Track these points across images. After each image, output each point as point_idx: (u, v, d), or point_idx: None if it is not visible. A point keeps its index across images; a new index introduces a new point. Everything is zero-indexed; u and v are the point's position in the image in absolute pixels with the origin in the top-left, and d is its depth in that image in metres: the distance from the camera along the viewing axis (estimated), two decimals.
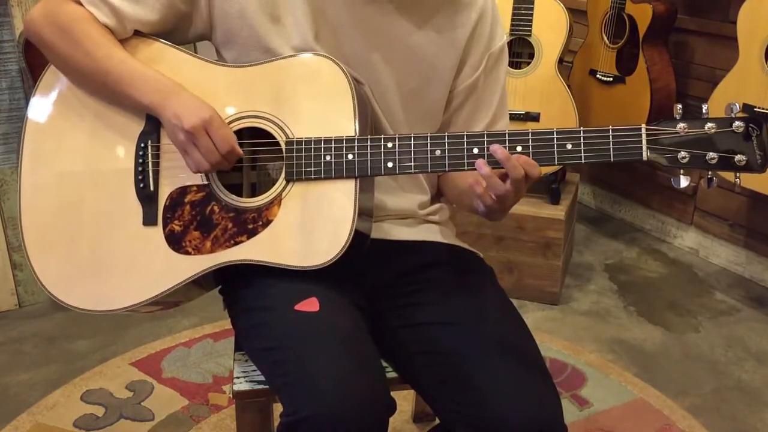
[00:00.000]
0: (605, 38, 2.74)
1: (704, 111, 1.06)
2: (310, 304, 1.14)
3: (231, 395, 1.29)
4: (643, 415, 2.00)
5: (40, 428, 1.88)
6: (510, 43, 2.42)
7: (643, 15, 2.60)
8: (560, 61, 2.55)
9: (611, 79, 2.75)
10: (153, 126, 1.21)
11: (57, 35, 1.20)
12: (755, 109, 2.28)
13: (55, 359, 2.17)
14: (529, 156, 1.10)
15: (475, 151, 1.12)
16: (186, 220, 1.20)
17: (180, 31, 1.26)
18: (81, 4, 1.20)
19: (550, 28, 2.53)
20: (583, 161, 1.07)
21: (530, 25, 2.49)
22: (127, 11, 1.20)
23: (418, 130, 1.30)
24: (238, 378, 1.28)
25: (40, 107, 1.25)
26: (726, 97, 2.37)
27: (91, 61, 1.19)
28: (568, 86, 2.56)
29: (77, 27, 1.19)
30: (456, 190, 1.32)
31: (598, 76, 2.79)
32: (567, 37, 2.53)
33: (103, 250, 1.21)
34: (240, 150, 1.17)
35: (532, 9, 2.47)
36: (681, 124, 1.04)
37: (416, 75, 1.27)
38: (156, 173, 1.22)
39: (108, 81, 1.19)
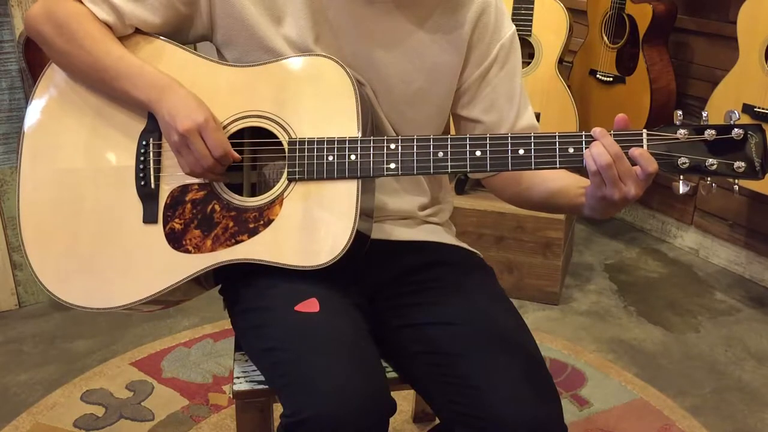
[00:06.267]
0: (605, 38, 2.74)
1: (704, 117, 1.06)
2: (311, 305, 1.14)
3: (231, 395, 1.29)
4: (643, 415, 2.00)
5: (40, 428, 1.88)
6: None
7: (643, 15, 2.60)
8: (560, 61, 2.56)
9: (611, 79, 2.75)
10: (155, 124, 1.21)
11: (56, 31, 1.21)
12: (755, 109, 2.28)
13: (55, 359, 2.17)
14: (530, 159, 1.10)
15: (478, 153, 1.12)
16: (187, 219, 1.20)
17: (181, 32, 1.26)
18: (80, 1, 1.20)
19: (550, 28, 2.53)
20: (584, 165, 1.07)
21: (530, 25, 2.49)
22: (125, 10, 1.21)
23: (425, 129, 1.30)
24: (238, 378, 1.28)
25: (41, 105, 1.25)
26: (726, 97, 2.37)
27: (89, 57, 1.19)
28: (568, 86, 2.56)
29: (75, 23, 1.20)
30: (547, 192, 1.24)
31: (598, 76, 2.79)
32: (567, 37, 2.53)
33: (102, 248, 1.21)
34: (235, 154, 1.17)
35: (532, 9, 2.47)
36: (681, 130, 1.04)
37: (421, 74, 1.27)
38: (157, 171, 1.22)
39: (105, 77, 1.19)
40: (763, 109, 2.27)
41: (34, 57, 2.12)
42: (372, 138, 1.16)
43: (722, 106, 2.36)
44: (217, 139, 1.15)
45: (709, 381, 2.17)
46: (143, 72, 1.19)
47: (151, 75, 1.18)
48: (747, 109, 2.30)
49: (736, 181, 1.05)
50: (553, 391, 1.15)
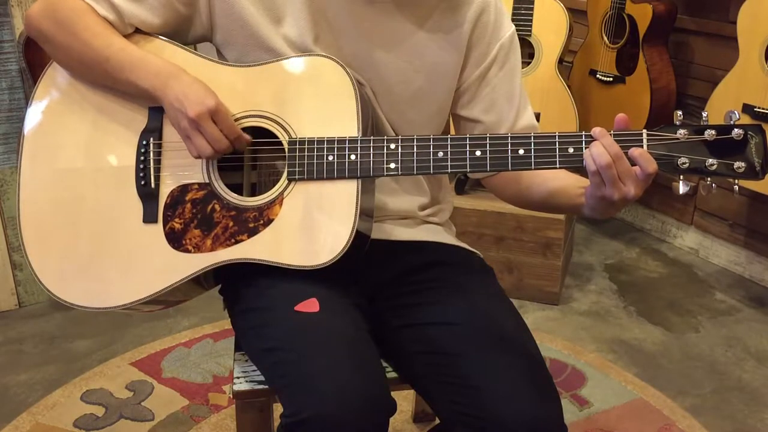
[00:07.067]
0: (605, 38, 2.74)
1: (704, 117, 1.06)
2: (310, 305, 1.14)
3: (231, 395, 1.29)
4: (643, 415, 2.00)
5: (40, 428, 1.88)
6: None
7: (643, 15, 2.60)
8: (560, 61, 2.56)
9: (611, 79, 2.75)
10: (155, 123, 1.21)
11: (56, 28, 1.21)
12: (755, 109, 2.28)
13: (55, 359, 2.17)
14: (530, 158, 1.10)
15: (478, 153, 1.12)
16: (186, 218, 1.20)
17: (180, 33, 1.26)
18: None
19: (550, 28, 2.53)
20: (584, 165, 1.07)
21: (530, 25, 2.49)
22: (125, 9, 1.21)
23: (425, 128, 1.30)
24: (238, 378, 1.28)
25: (42, 105, 1.25)
26: (726, 97, 2.37)
27: (91, 50, 1.19)
28: (568, 86, 2.56)
29: (76, 18, 1.20)
30: (547, 191, 1.23)
31: (598, 76, 2.79)
32: (567, 37, 2.53)
33: (102, 248, 1.21)
34: (247, 136, 1.18)
35: (532, 9, 2.47)
36: (681, 130, 1.04)
37: (421, 74, 1.27)
38: (157, 171, 1.22)
39: (108, 69, 1.19)
40: (763, 109, 2.27)
41: (34, 57, 2.12)
42: (372, 138, 1.16)
43: (722, 106, 2.36)
44: (231, 122, 1.16)
45: (709, 381, 2.17)
46: (146, 61, 1.19)
47: (155, 63, 1.19)
48: (747, 109, 2.30)
49: (736, 181, 1.05)
50: (553, 391, 1.15)
